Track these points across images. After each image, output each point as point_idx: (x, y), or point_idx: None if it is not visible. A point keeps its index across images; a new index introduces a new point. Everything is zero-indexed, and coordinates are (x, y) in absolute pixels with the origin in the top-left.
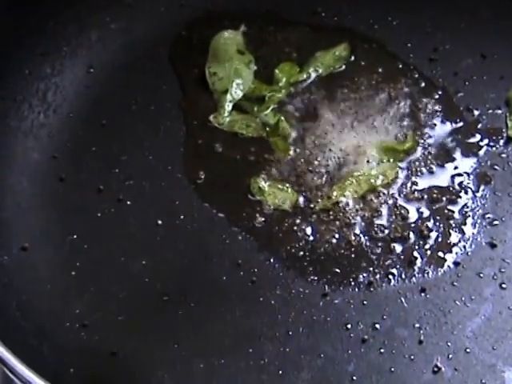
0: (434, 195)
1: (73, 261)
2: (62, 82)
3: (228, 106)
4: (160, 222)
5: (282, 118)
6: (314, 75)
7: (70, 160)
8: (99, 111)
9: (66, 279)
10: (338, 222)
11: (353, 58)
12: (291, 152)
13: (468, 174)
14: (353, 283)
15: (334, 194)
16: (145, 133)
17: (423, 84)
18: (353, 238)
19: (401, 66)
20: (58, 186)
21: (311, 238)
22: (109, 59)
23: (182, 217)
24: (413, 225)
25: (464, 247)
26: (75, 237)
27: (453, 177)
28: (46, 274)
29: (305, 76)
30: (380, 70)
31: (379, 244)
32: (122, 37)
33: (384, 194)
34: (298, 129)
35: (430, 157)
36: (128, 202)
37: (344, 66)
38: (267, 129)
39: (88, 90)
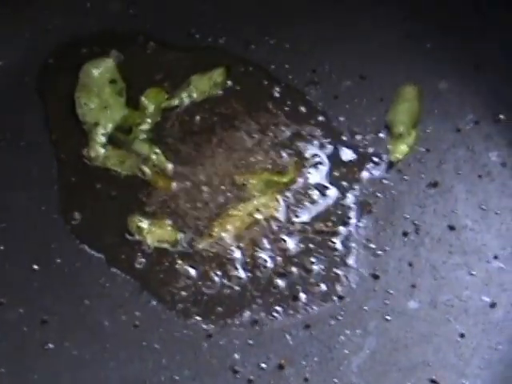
0: (316, 227)
1: None
2: None
3: (100, 139)
4: (36, 266)
5: (158, 150)
6: (187, 101)
7: None
8: None
9: None
10: (219, 260)
11: (229, 82)
12: (171, 188)
13: (350, 203)
14: (237, 322)
15: (215, 230)
16: (15, 171)
17: (303, 109)
18: (235, 275)
19: (279, 89)
20: None
21: (193, 277)
22: None
23: (58, 260)
24: (295, 259)
25: (347, 280)
26: None
27: (335, 206)
28: None
29: (177, 102)
30: (258, 94)
31: (262, 280)
32: None
33: (265, 227)
34: (175, 161)
35: (310, 186)
36: (1, 247)
37: (219, 91)
38: (142, 166)
39: None
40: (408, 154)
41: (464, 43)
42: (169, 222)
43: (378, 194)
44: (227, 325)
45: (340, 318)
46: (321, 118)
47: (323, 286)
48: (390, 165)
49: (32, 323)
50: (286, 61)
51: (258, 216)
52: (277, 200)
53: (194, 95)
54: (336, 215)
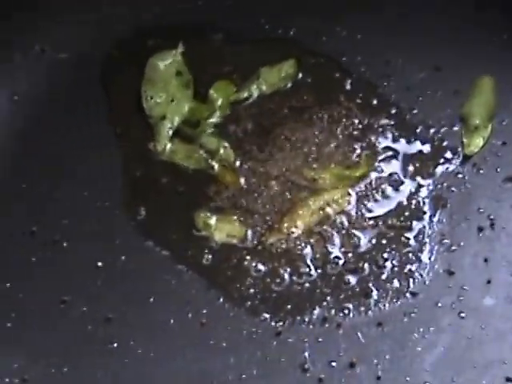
0: (389, 222)
1: (8, 311)
2: None
3: (167, 133)
4: (100, 263)
5: (226, 144)
6: (256, 93)
7: None
8: (26, 143)
9: (2, 331)
10: (289, 256)
11: (300, 74)
12: (239, 183)
13: (424, 198)
14: (307, 320)
15: (285, 225)
16: (78, 166)
17: (375, 101)
18: (305, 271)
19: (351, 81)
20: None
21: (262, 273)
22: (34, 84)
23: (123, 257)
24: (367, 255)
25: (421, 276)
26: (8, 285)
27: (408, 201)
28: None
29: (246, 95)
30: (329, 87)
31: (333, 277)
32: (48, 58)
33: (336, 222)
34: (243, 156)
35: (383, 181)
36: (64, 244)
37: (290, 84)
38: (210, 160)
39: (13, 120)
40: (484, 147)
41: None
42: (237, 217)
43: (453, 188)
44: (297, 322)
45: (413, 315)
46: (394, 111)
47: (396, 283)
48: (465, 158)
49: (96, 321)
50: (358, 52)
51: (329, 211)
52: (348, 194)
53: (264, 88)
54: (409, 210)
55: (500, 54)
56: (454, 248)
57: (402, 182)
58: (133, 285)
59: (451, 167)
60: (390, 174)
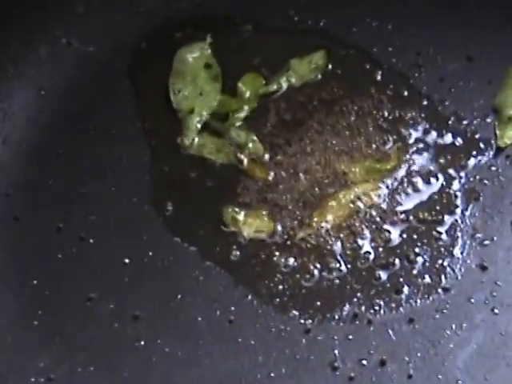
0: (420, 216)
1: (34, 309)
2: (10, 107)
3: (196, 127)
4: (127, 260)
5: (255, 137)
6: (285, 86)
7: (24, 196)
8: (54, 139)
9: (28, 330)
10: (318, 251)
11: (330, 66)
12: (268, 177)
13: (456, 191)
14: (337, 317)
15: (315, 220)
16: (106, 161)
17: (406, 93)
18: (335, 267)
19: (382, 73)
20: (13, 227)
21: (291, 269)
22: (61, 78)
23: (150, 253)
24: (398, 250)
25: (453, 271)
26: (35, 282)
27: (440, 194)
28: (6, 325)
29: (275, 87)
30: (359, 78)
31: (363, 272)
32: (75, 52)
33: (367, 217)
34: (272, 149)
35: (414, 174)
36: (91, 241)
37: (319, 76)
38: (238, 154)
39: (40, 115)
40: None
41: None
42: (266, 212)
43: (486, 181)
44: (326, 319)
45: (445, 311)
46: (425, 102)
47: (427, 278)
48: (499, 150)
49: (123, 319)
50: (389, 43)
51: (360, 205)
52: (379, 188)
53: (293, 80)
54: (441, 203)
55: None
56: (486, 242)
57: (434, 175)
58: (160, 281)
59: (484, 159)
60: (422, 167)
